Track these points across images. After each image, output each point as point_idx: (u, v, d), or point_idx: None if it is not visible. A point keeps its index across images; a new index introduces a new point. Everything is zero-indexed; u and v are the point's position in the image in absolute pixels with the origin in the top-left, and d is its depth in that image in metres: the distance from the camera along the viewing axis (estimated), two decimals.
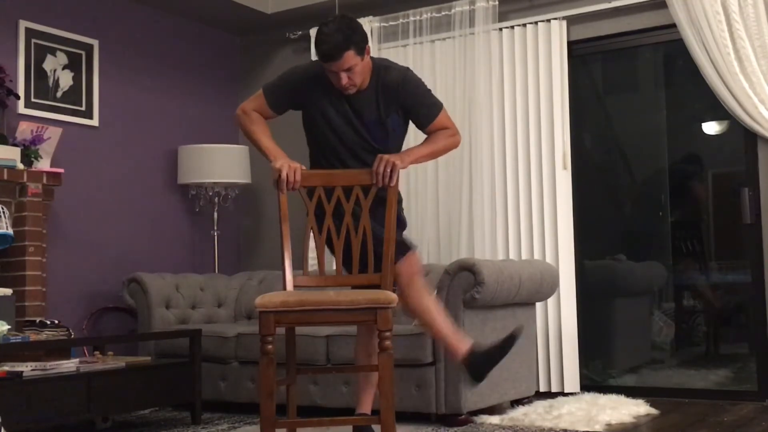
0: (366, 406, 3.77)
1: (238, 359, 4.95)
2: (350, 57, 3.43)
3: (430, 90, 3.75)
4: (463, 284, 4.37)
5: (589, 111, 6.03)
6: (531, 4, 5.57)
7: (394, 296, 3.18)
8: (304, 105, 3.66)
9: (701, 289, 5.91)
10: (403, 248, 3.64)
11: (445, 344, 3.76)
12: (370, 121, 3.60)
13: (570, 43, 5.44)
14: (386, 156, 3.49)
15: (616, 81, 6.14)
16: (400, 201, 3.83)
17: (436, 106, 3.69)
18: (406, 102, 3.61)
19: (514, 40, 5.51)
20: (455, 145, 3.76)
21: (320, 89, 3.58)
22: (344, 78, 3.47)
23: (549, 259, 5.28)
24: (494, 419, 4.43)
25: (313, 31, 5.99)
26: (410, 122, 3.76)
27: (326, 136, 3.65)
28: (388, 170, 3.45)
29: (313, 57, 4.89)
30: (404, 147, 3.82)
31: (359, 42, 3.46)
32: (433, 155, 3.76)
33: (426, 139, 3.72)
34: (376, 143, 3.62)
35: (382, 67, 3.64)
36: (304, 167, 3.52)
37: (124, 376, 4.25)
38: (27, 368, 3.87)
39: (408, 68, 3.72)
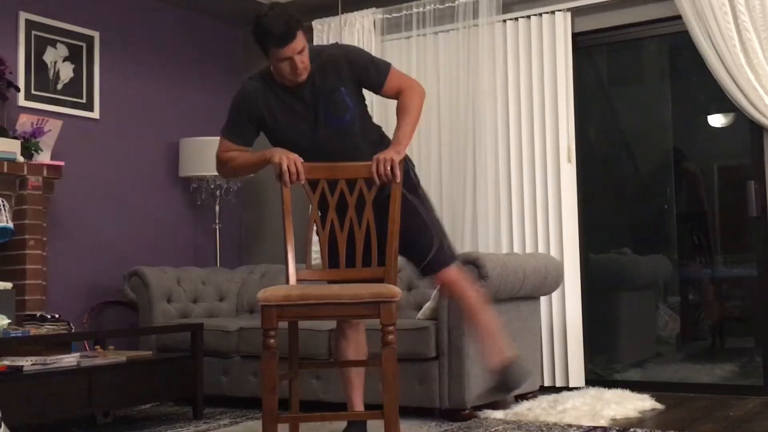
0: (360, 404, 3.75)
1: (240, 353, 4.93)
2: (301, 37, 3.40)
3: (371, 53, 3.74)
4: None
5: (594, 103, 5.99)
6: None
7: (397, 290, 3.14)
8: (261, 124, 3.60)
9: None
10: (444, 258, 3.63)
11: (486, 345, 3.72)
12: (324, 105, 3.52)
13: (574, 35, 5.40)
14: (380, 155, 3.42)
15: (621, 73, 6.11)
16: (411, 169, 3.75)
17: (384, 65, 3.62)
18: (354, 70, 3.54)
19: (518, 32, 5.47)
20: (423, 96, 3.63)
21: (265, 102, 3.53)
22: (299, 62, 3.41)
23: (553, 253, 5.25)
24: (498, 414, 4.41)
25: (314, 23, 5.96)
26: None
27: (289, 142, 3.57)
28: (388, 168, 3.41)
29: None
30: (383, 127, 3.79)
31: (301, 20, 3.43)
32: (416, 122, 3.61)
33: (399, 114, 3.58)
34: (338, 123, 3.55)
35: (315, 50, 3.57)
36: (302, 159, 3.47)
37: (125, 371, 4.23)
38: (27, 363, 3.84)
39: (337, 42, 3.64)
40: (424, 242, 3.59)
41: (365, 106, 3.72)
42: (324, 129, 3.55)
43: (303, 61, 3.43)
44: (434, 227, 3.66)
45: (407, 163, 3.65)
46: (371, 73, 3.59)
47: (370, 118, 3.76)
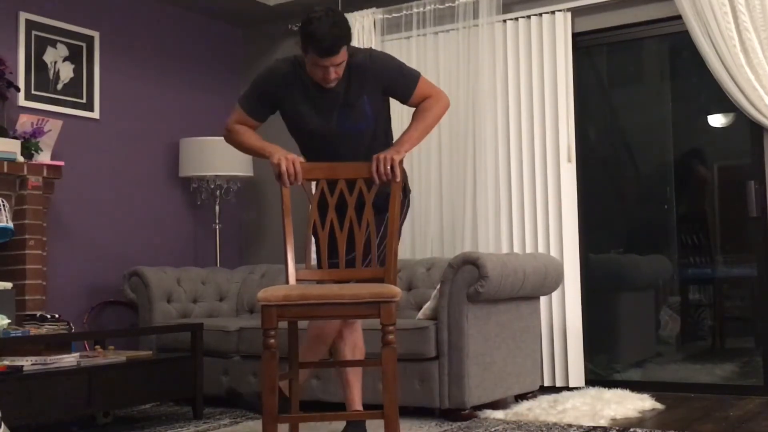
0: (359, 404, 3.75)
1: (240, 353, 4.93)
2: (344, 52, 3.37)
3: (401, 62, 3.66)
4: (467, 278, 4.33)
5: (594, 103, 5.99)
6: None
7: (398, 290, 3.13)
8: (278, 106, 3.60)
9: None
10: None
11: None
12: (342, 110, 3.51)
13: (575, 35, 5.39)
14: (381, 154, 3.42)
15: (621, 73, 6.10)
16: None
17: (412, 75, 3.59)
18: (380, 79, 3.52)
19: (518, 32, 5.46)
20: (446, 108, 3.64)
21: (289, 88, 3.52)
22: (333, 72, 3.39)
23: (553, 253, 5.25)
24: (498, 414, 4.41)
25: None
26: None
27: (303, 132, 3.59)
28: (388, 167, 3.40)
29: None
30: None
31: (350, 36, 3.41)
32: (428, 130, 3.62)
33: (414, 118, 3.60)
34: (352, 129, 3.54)
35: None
36: (302, 159, 3.48)
37: (125, 371, 4.22)
38: (27, 362, 3.84)
39: (371, 48, 3.56)
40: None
41: (388, 116, 3.69)
42: (337, 131, 3.55)
43: (337, 72, 3.41)
44: (373, 252, 3.55)
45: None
46: (399, 84, 3.57)
47: (389, 129, 3.72)
